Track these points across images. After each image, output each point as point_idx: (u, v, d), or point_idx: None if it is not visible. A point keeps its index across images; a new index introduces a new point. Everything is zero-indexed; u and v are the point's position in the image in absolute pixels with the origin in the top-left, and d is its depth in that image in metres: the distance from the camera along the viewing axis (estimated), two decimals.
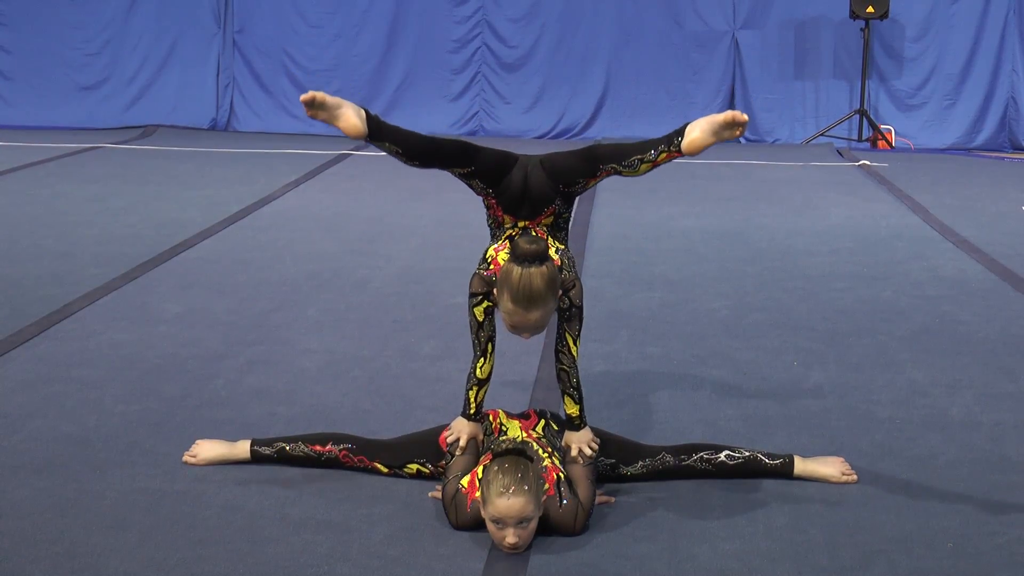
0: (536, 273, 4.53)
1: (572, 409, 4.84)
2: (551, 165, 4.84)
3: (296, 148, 15.06)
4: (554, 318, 4.84)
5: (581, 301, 4.80)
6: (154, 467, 5.03)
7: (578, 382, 4.83)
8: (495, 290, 4.68)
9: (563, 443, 4.84)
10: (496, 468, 4.38)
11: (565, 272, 4.78)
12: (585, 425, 4.87)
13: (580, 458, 4.77)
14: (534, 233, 4.82)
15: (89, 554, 4.24)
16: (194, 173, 13.01)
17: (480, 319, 4.78)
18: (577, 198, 5.01)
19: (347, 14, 16.94)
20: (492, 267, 4.77)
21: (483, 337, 4.81)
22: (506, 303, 4.60)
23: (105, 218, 10.29)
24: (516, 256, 4.57)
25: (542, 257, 4.57)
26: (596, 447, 4.83)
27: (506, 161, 4.84)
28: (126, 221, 10.16)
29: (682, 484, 4.94)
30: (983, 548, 4.41)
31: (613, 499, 4.80)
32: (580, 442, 4.81)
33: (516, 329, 4.68)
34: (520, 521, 4.29)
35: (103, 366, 6.35)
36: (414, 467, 4.96)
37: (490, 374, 4.86)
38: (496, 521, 4.30)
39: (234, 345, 6.77)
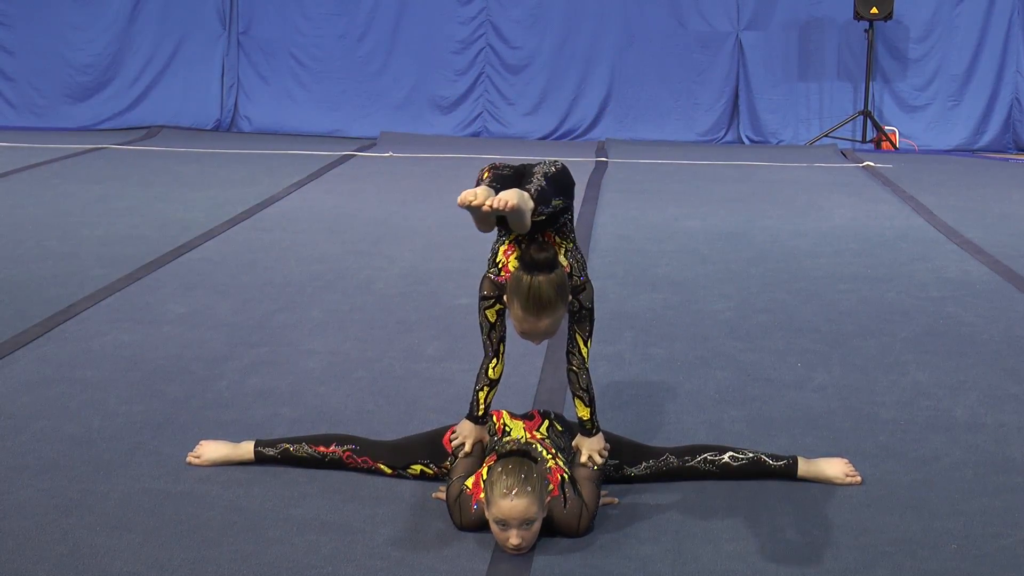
0: (545, 281, 4.53)
1: (583, 412, 4.83)
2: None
3: (300, 149, 15.07)
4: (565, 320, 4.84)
5: (592, 303, 4.80)
6: (158, 468, 5.04)
7: (588, 384, 4.82)
8: (506, 296, 4.68)
9: (574, 447, 4.84)
10: (500, 469, 4.38)
11: (575, 277, 4.78)
12: (598, 430, 4.85)
13: (590, 464, 4.76)
14: (542, 238, 4.80)
15: (93, 555, 4.25)
16: (198, 174, 13.02)
17: (492, 320, 4.78)
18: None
19: (352, 15, 16.94)
20: (503, 273, 4.76)
21: (495, 338, 4.80)
22: (516, 311, 4.60)
23: (109, 219, 10.30)
24: (525, 265, 4.57)
25: (551, 265, 4.57)
26: (607, 454, 4.83)
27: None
28: (130, 222, 10.17)
29: (686, 485, 4.94)
30: (987, 550, 4.41)
31: (617, 500, 4.81)
32: (591, 449, 4.80)
33: (527, 335, 4.68)
34: (524, 522, 4.29)
35: (107, 367, 6.35)
36: (418, 468, 4.96)
37: (501, 375, 4.85)
38: (500, 522, 4.30)
39: (238, 346, 6.78)
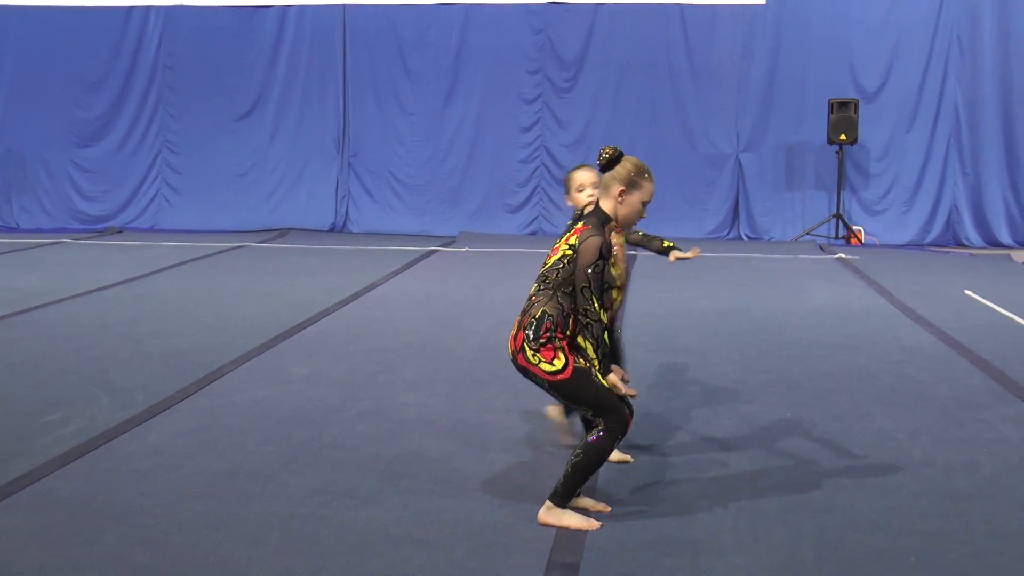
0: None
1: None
2: None
3: (397, 246, 15.15)
4: None
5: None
6: (287, 495, 5.03)
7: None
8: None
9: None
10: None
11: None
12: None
13: None
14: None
15: (236, 564, 4.24)
16: (317, 265, 13.10)
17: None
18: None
19: (437, 141, 17.07)
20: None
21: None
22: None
23: (249, 300, 10.36)
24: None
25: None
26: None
27: None
28: (265, 303, 10.23)
29: (701, 511, 4.88)
30: (940, 562, 4.33)
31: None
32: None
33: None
34: None
35: (246, 416, 6.37)
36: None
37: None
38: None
39: (348, 400, 6.77)
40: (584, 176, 5.55)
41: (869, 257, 14.28)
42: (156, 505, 4.87)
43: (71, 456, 5.53)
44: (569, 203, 5.58)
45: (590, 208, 4.99)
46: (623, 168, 4.85)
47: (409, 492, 5.10)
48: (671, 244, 6.21)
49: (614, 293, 5.41)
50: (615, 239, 5.35)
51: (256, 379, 7.27)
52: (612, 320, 5.58)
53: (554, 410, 5.86)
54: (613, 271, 5.27)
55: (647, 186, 4.86)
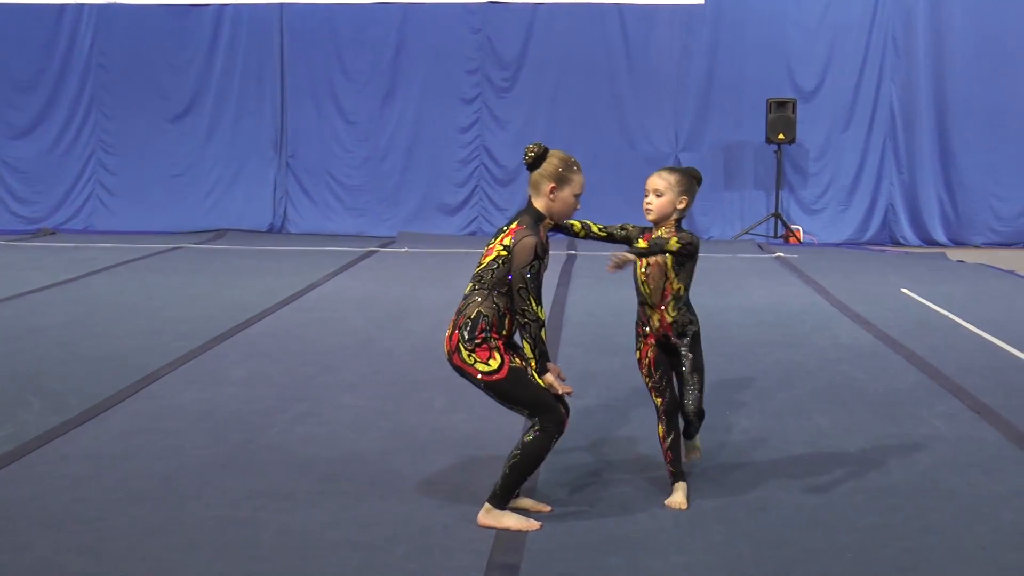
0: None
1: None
2: None
3: (335, 246, 15.09)
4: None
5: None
6: (223, 498, 5.00)
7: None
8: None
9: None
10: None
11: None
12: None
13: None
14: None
15: (172, 570, 4.21)
16: (255, 266, 13.02)
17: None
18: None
19: (375, 141, 17.02)
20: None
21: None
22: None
23: (185, 302, 10.28)
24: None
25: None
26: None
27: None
28: (202, 305, 10.15)
29: (640, 510, 4.91)
30: (875, 558, 4.39)
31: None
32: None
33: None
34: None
35: (183, 419, 6.32)
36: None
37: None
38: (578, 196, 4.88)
39: (286, 402, 6.74)
40: (648, 182, 5.35)
41: (807, 256, 14.42)
42: (90, 510, 4.82)
43: (2, 462, 5.46)
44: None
45: (651, 216, 5.08)
46: (550, 164, 4.89)
47: (347, 494, 5.09)
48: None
49: (647, 311, 5.31)
50: (656, 257, 5.18)
51: (193, 382, 7.21)
52: (663, 342, 5.27)
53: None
54: (643, 288, 5.22)
55: (577, 179, 4.89)
